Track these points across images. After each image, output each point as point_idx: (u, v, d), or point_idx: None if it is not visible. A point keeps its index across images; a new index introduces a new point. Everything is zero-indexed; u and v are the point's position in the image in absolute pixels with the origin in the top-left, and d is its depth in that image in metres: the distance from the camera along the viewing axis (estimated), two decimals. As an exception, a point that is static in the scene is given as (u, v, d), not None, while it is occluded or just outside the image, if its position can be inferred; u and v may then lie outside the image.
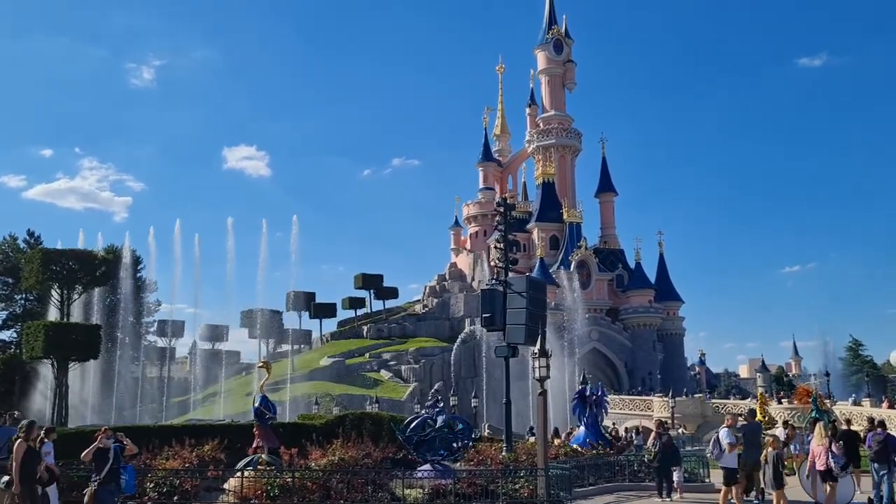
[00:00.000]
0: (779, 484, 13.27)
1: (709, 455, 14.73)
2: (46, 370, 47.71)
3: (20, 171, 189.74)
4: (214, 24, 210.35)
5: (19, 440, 11.14)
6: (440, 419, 16.44)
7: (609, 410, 27.78)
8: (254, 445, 15.37)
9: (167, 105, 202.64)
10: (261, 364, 16.52)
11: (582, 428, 22.58)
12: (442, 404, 17.21)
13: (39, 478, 11.37)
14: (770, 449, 13.61)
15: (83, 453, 11.46)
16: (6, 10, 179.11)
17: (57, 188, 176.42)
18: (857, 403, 44.39)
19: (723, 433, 14.19)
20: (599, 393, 22.92)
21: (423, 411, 17.34)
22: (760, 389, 66.01)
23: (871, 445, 14.70)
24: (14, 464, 10.85)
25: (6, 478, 11.16)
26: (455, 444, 16.51)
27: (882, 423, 15.48)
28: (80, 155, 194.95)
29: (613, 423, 34.77)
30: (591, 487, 17.33)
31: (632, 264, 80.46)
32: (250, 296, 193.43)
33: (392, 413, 32.10)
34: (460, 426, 16.98)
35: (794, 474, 17.33)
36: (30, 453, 10.96)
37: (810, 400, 35.72)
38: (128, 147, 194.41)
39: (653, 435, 17.84)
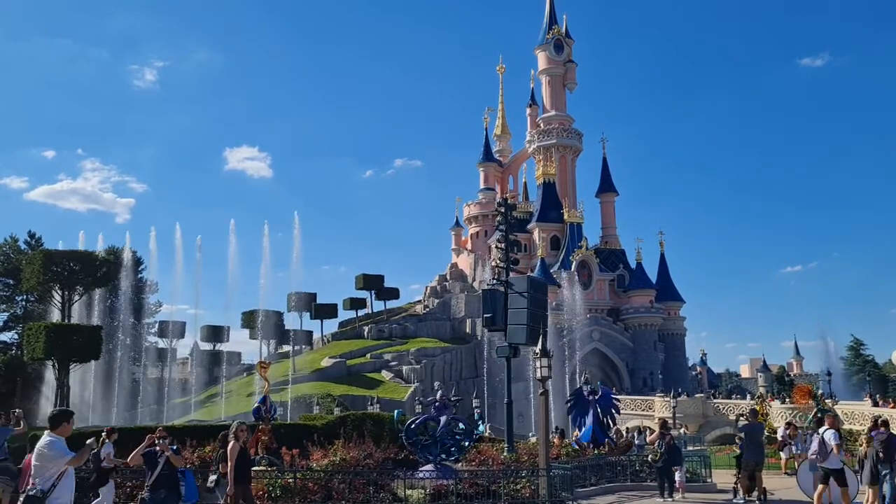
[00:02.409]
0: (874, 481, 13.17)
1: (812, 456, 14.41)
2: (48, 371, 47.74)
3: (22, 173, 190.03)
4: (216, 26, 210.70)
5: (232, 441, 11.00)
6: (443, 419, 16.42)
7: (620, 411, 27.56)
8: (274, 446, 15.32)
9: (169, 106, 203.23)
10: (263, 365, 16.46)
11: (586, 427, 22.53)
12: (447, 403, 17.12)
13: (94, 477, 11.29)
14: (867, 447, 13.48)
15: (129, 457, 10.38)
16: (8, 12, 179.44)
17: (59, 189, 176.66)
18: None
19: (829, 434, 13.81)
20: (600, 392, 22.89)
21: (431, 410, 17.28)
22: (762, 389, 66.01)
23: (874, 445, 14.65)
24: (229, 464, 10.78)
25: (214, 477, 11.11)
26: (457, 443, 16.50)
27: (885, 423, 15.46)
28: (83, 156, 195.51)
29: (614, 424, 34.66)
30: (592, 487, 17.31)
31: (633, 264, 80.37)
32: (252, 297, 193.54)
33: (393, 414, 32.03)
34: (461, 426, 16.97)
35: (794, 474, 17.31)
36: (243, 454, 10.84)
37: (811, 399, 35.77)
38: (130, 148, 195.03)
39: (656, 434, 17.80)
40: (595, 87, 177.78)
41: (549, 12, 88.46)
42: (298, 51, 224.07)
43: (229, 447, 10.94)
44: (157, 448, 10.26)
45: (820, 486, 13.95)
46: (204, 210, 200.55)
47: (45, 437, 7.59)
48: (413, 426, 16.59)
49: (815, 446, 14.16)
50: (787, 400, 44.61)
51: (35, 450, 7.61)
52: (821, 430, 14.33)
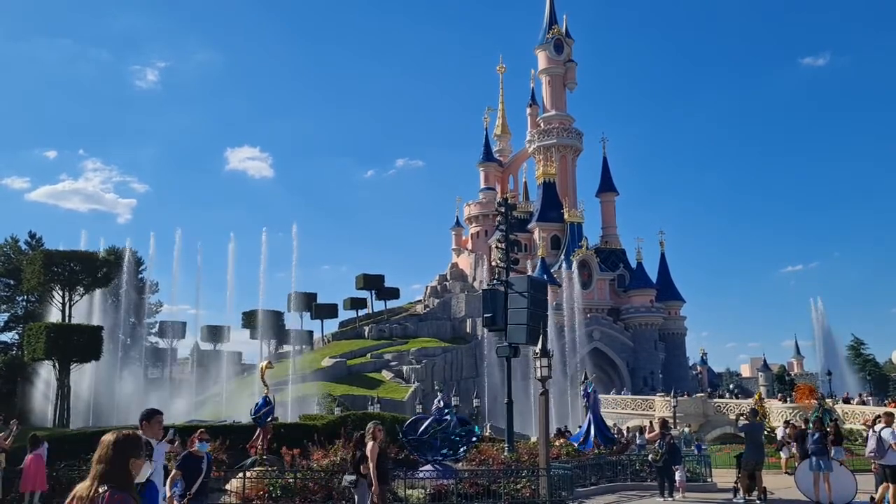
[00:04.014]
0: None
1: (869, 454, 14.43)
2: (48, 372, 47.70)
3: (24, 173, 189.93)
4: (216, 26, 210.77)
5: (371, 442, 10.75)
6: (444, 420, 16.42)
7: (603, 408, 27.74)
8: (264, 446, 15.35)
9: (170, 106, 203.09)
10: (267, 365, 16.44)
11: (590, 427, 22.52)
12: (448, 404, 17.12)
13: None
14: None
15: (174, 469, 9.32)
16: (8, 12, 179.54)
17: (61, 190, 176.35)
18: (846, 401, 44.42)
19: (887, 432, 13.82)
20: (591, 391, 22.95)
21: (434, 409, 17.27)
22: (762, 389, 66.02)
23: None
24: (370, 465, 10.69)
25: (351, 477, 11.12)
26: (458, 444, 16.48)
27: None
28: (84, 156, 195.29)
29: (615, 423, 34.74)
30: (592, 487, 17.32)
31: (633, 264, 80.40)
32: (252, 297, 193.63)
33: (394, 413, 32.06)
34: (462, 427, 16.96)
35: (794, 473, 17.32)
36: (383, 454, 10.84)
37: (817, 397, 35.78)
38: (131, 148, 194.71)
39: (656, 433, 17.79)
40: (595, 87, 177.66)
41: (549, 12, 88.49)
42: (298, 51, 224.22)
43: (368, 448, 10.75)
44: (193, 451, 9.50)
45: (883, 485, 13.97)
46: (205, 210, 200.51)
47: None
48: (413, 426, 16.58)
49: (872, 444, 14.18)
50: (789, 399, 44.67)
51: None
52: (877, 428, 14.37)
